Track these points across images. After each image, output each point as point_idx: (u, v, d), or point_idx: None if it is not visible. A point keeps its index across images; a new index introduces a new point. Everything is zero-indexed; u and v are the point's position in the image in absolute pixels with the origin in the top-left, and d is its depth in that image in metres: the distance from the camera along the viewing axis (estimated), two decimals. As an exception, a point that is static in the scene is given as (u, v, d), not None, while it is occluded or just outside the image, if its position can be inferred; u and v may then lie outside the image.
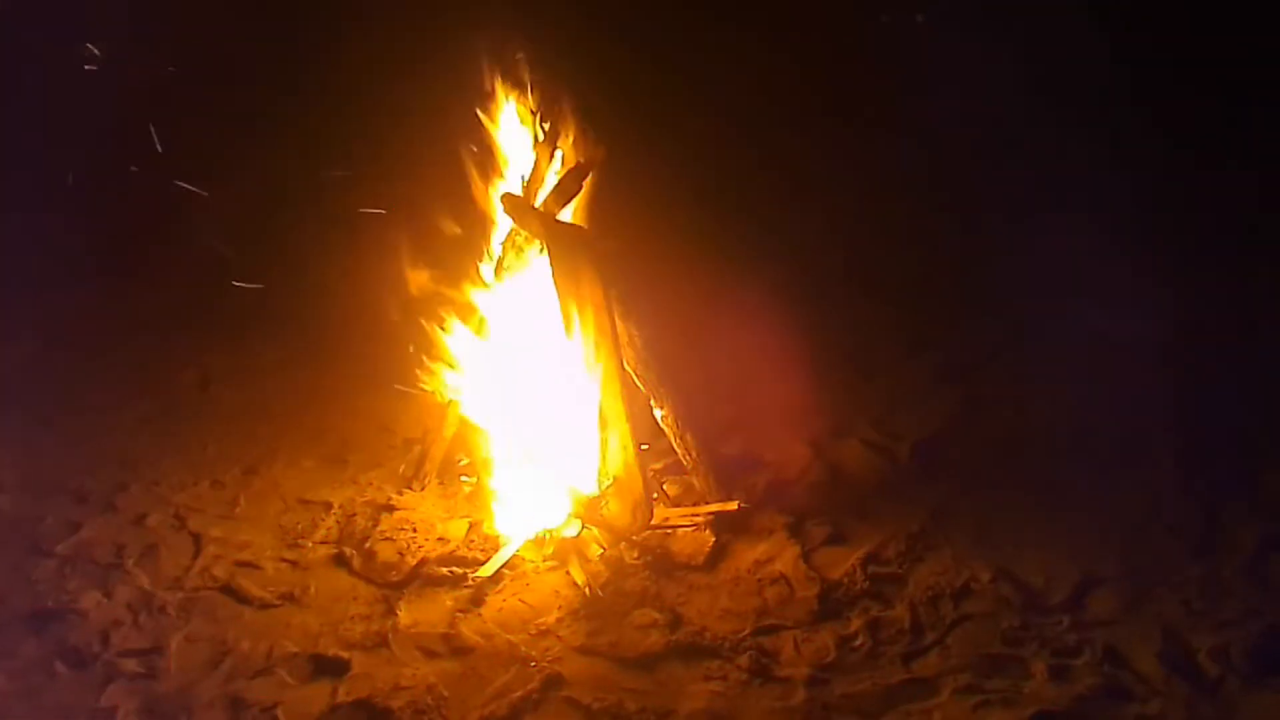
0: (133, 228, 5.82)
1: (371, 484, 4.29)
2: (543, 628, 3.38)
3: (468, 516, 3.99)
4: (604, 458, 3.71)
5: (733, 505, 3.86)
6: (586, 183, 3.76)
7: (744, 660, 3.17)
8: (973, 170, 6.41)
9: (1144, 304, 4.93)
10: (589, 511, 3.67)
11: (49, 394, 5.16)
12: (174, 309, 5.48)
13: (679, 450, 3.95)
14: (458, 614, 3.45)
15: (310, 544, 3.91)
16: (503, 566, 3.66)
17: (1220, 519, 3.73)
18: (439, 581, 3.63)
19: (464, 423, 4.12)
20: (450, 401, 4.13)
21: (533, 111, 3.86)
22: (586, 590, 3.51)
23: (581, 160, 3.79)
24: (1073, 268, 5.38)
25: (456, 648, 3.31)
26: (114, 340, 5.69)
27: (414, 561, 3.74)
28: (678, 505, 3.95)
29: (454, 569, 3.69)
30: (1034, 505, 3.87)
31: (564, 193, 3.75)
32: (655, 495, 3.87)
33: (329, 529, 4.00)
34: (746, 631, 3.30)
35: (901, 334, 5.34)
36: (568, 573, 3.61)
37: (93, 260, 6.24)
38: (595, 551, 3.69)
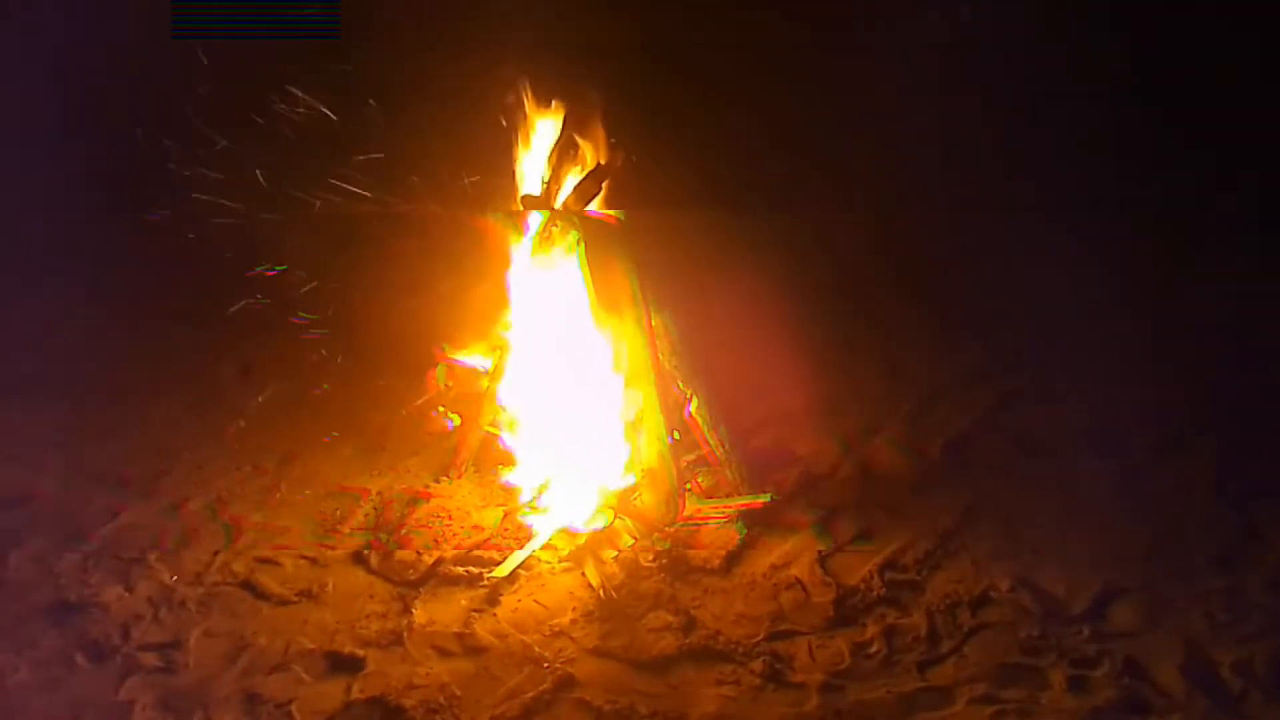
0: (176, 220, 5.85)
1: (408, 472, 4.31)
2: (557, 629, 3.38)
3: (503, 505, 4.00)
4: (636, 449, 3.71)
5: (763, 499, 3.85)
6: (601, 186, 3.76)
7: (757, 665, 3.16)
8: (1005, 170, 6.34)
9: (1177, 304, 4.87)
10: (621, 503, 3.68)
11: (92, 383, 5.21)
12: (215, 298, 5.52)
13: (711, 443, 3.96)
14: (473, 613, 3.46)
15: (347, 530, 3.94)
16: (519, 567, 3.66)
17: (1251, 528, 3.68)
18: (454, 581, 3.64)
19: (499, 413, 4.14)
20: (486, 392, 4.14)
21: (553, 115, 3.86)
22: (601, 592, 3.51)
23: (602, 163, 3.79)
24: (1105, 268, 5.32)
25: (470, 647, 3.32)
26: (155, 330, 5.74)
27: (431, 560, 3.75)
28: (709, 498, 3.94)
29: (470, 569, 3.70)
30: (1060, 508, 3.84)
31: (584, 195, 3.75)
32: (687, 487, 3.86)
33: (366, 515, 4.02)
34: (761, 636, 3.29)
35: (933, 332, 5.31)
36: (583, 574, 3.61)
37: (136, 251, 6.29)
38: (626, 542, 3.69)
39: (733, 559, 3.66)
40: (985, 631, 3.27)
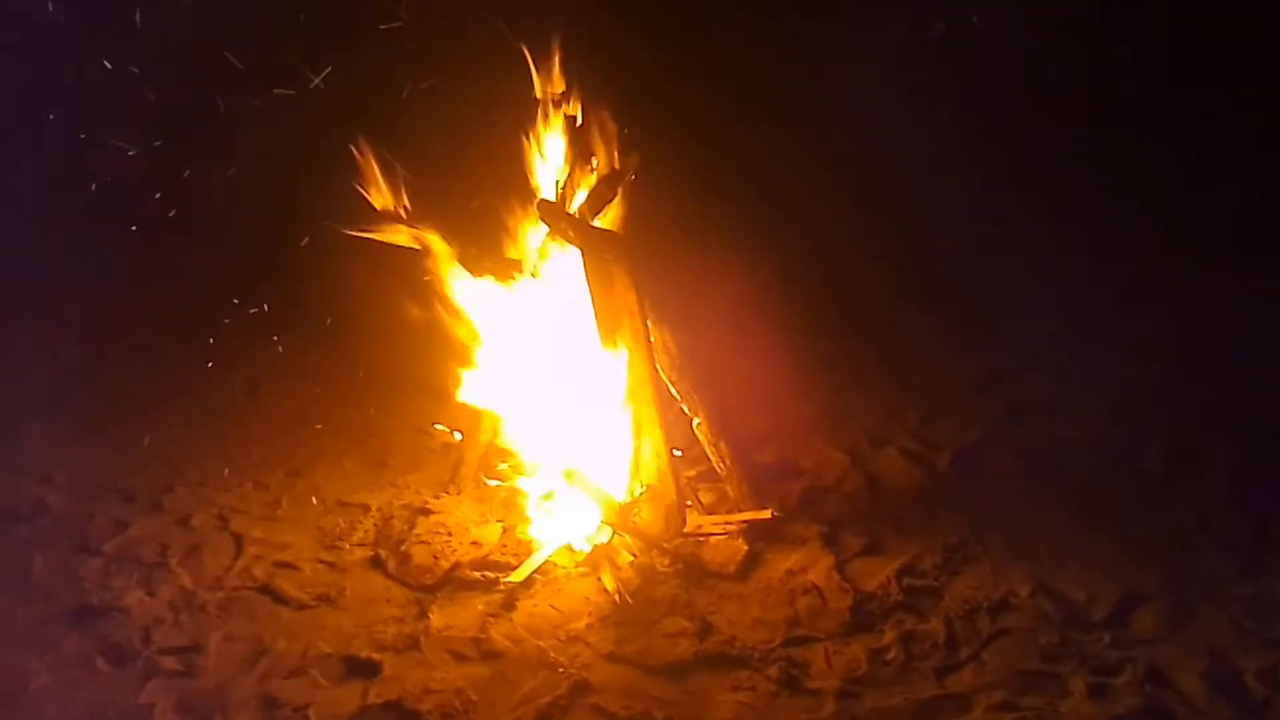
0: (184, 233, 5.92)
1: (409, 487, 4.33)
2: (572, 634, 3.37)
3: (502, 521, 4.00)
4: (637, 464, 3.71)
5: (766, 514, 3.83)
6: (620, 190, 3.75)
7: (773, 671, 3.14)
8: (1017, 173, 6.30)
9: (1193, 313, 4.82)
10: (621, 518, 3.67)
11: (100, 397, 5.28)
12: (222, 314, 5.58)
13: (713, 458, 3.93)
14: (489, 618, 3.47)
15: (348, 546, 3.95)
16: (534, 572, 3.66)
17: (1271, 534, 3.63)
18: (471, 585, 3.65)
19: (500, 428, 4.14)
20: (486, 408, 4.15)
21: (568, 119, 3.85)
22: (617, 597, 3.50)
23: (616, 168, 3.79)
24: (1118, 274, 5.27)
25: (486, 652, 3.32)
26: (163, 345, 5.80)
27: (447, 565, 3.76)
28: (711, 513, 3.92)
29: (486, 573, 3.70)
30: (1077, 518, 3.79)
31: (598, 200, 3.75)
32: (689, 503, 3.85)
33: (366, 531, 4.04)
34: (777, 642, 3.27)
35: (941, 341, 5.26)
36: (599, 579, 3.60)
37: (143, 266, 6.38)
38: (626, 559, 3.68)
39: (749, 564, 3.64)
40: (1004, 638, 3.24)
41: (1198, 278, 5.05)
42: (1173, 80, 6.51)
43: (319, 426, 4.85)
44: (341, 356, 5.42)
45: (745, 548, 3.71)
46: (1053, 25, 6.43)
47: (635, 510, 3.71)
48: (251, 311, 5.26)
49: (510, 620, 3.45)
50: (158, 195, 5.50)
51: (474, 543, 3.89)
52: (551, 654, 3.28)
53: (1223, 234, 5.81)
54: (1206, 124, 6.35)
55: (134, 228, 5.66)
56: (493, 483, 4.20)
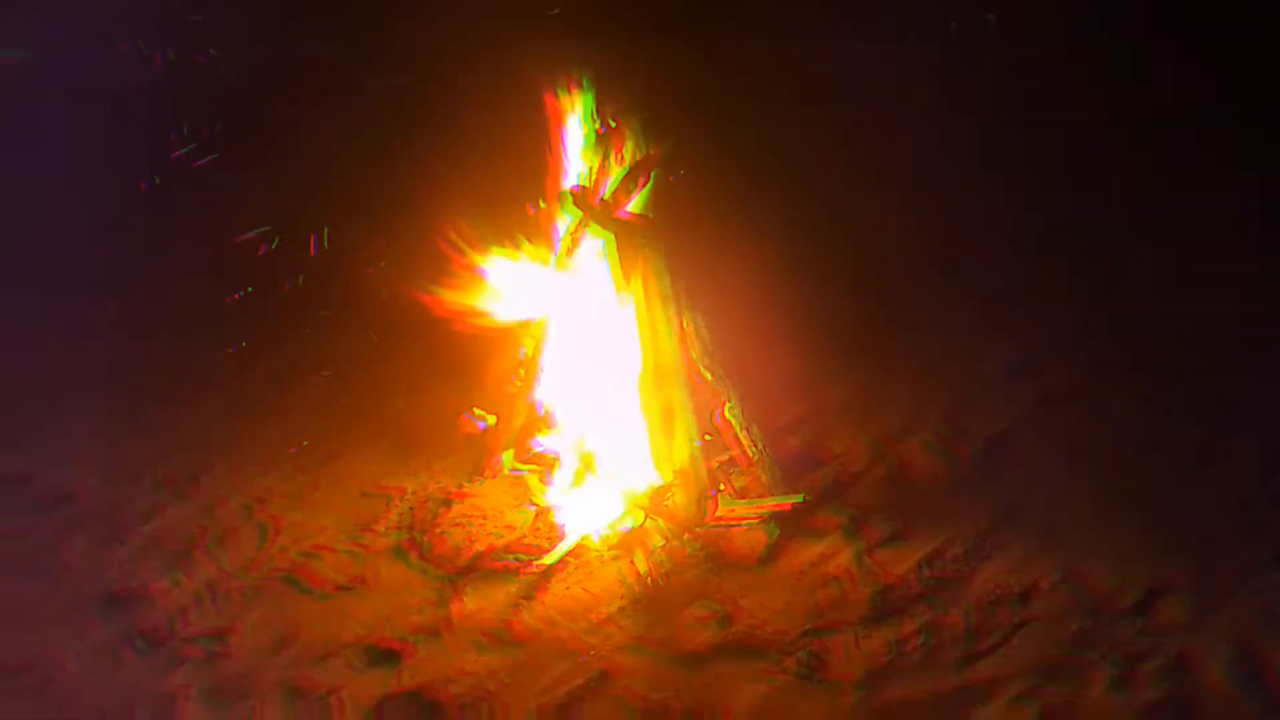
0: (209, 224, 5.96)
1: (441, 473, 4.33)
2: (595, 622, 3.38)
3: (534, 506, 4.01)
4: (667, 450, 3.70)
5: (795, 500, 3.81)
6: (649, 178, 3.74)
7: (794, 661, 3.13)
8: (1051, 156, 6.22)
9: (1226, 300, 4.74)
10: (652, 503, 3.67)
11: (131, 386, 5.32)
12: (251, 303, 5.61)
13: (743, 444, 3.92)
14: (514, 605, 3.48)
15: (376, 533, 3.97)
16: (565, 555, 3.68)
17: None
18: (497, 572, 3.66)
19: (532, 413, 4.15)
20: (518, 391, 4.16)
21: (595, 108, 3.84)
22: (648, 580, 3.50)
23: (645, 155, 3.77)
24: (1156, 259, 5.20)
25: (510, 639, 3.34)
26: (194, 334, 5.85)
27: (473, 552, 3.77)
28: (741, 499, 3.91)
29: (514, 559, 3.72)
30: (1106, 507, 3.74)
31: (627, 188, 3.74)
32: (718, 488, 3.84)
33: (397, 517, 4.06)
34: (798, 632, 3.26)
35: (972, 328, 5.20)
36: (631, 562, 3.61)
37: (173, 256, 6.42)
38: (657, 543, 3.68)
39: (773, 553, 3.64)
40: (1029, 627, 3.21)
41: (1232, 265, 4.96)
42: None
43: (347, 414, 4.87)
44: (370, 344, 5.44)
45: (768, 535, 3.71)
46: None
47: (668, 495, 3.71)
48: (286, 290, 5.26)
49: (534, 607, 3.47)
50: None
51: (506, 527, 3.90)
52: (576, 641, 3.29)
53: (1257, 222, 5.70)
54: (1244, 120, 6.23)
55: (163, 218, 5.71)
56: (523, 470, 4.21)
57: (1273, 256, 5.34)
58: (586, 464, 3.76)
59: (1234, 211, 5.71)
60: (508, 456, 4.22)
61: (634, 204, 3.80)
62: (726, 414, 3.89)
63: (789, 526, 3.75)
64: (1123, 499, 3.78)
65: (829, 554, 3.60)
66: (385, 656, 3.32)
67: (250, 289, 5.36)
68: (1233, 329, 4.69)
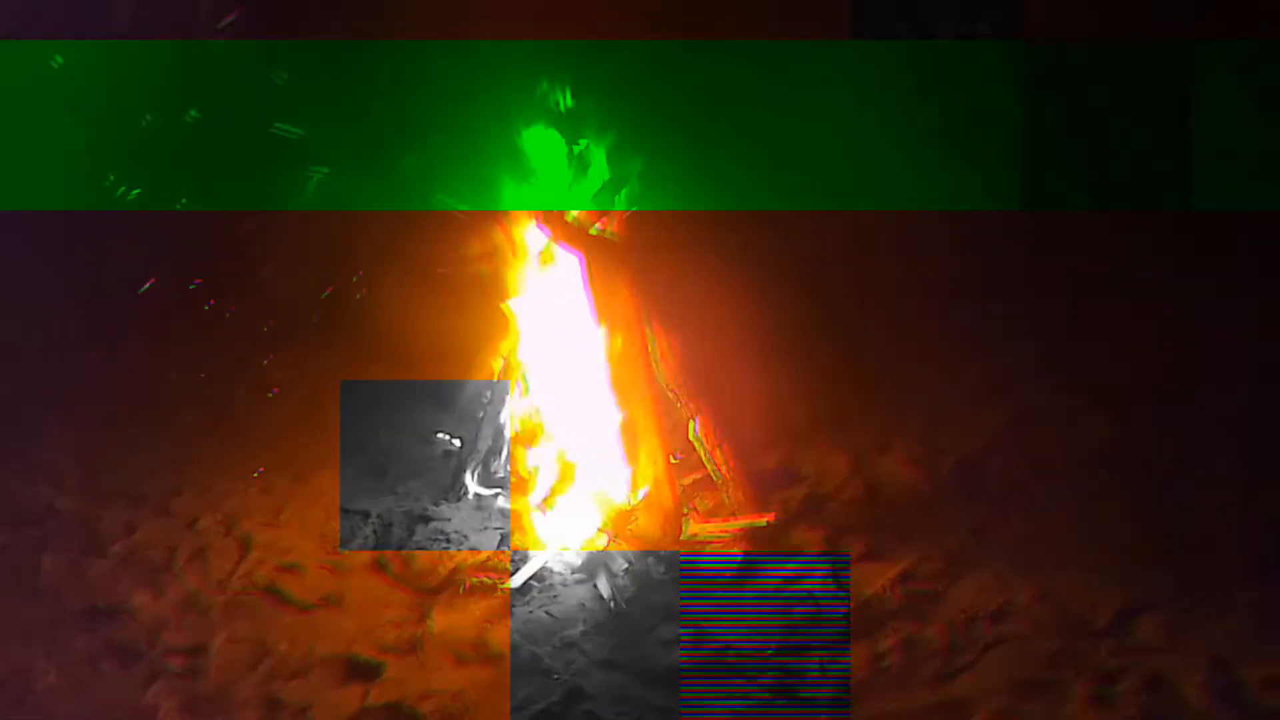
0: (196, 241, 5.98)
1: (409, 494, 4.35)
2: (568, 640, 3.38)
3: (500, 528, 4.03)
4: (635, 470, 3.71)
5: (766, 519, 3.82)
6: (621, 198, 3.77)
7: (768, 679, 3.13)
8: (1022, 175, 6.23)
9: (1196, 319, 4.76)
10: (619, 524, 3.67)
11: (110, 401, 5.34)
12: (235, 321, 5.64)
13: (714, 463, 3.93)
14: (487, 623, 3.49)
15: (350, 550, 3.98)
16: (531, 578, 3.68)
17: (1276, 541, 3.57)
18: (471, 590, 3.67)
19: (500, 434, 4.16)
20: (485, 413, 4.17)
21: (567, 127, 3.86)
22: (612, 605, 3.50)
23: (616, 176, 3.80)
24: (1120, 280, 5.21)
25: (485, 656, 3.35)
26: (174, 351, 5.86)
27: (448, 570, 3.78)
28: (710, 519, 3.92)
29: (486, 578, 3.72)
30: (1080, 524, 3.75)
31: (598, 208, 3.76)
32: (687, 509, 3.85)
33: (367, 537, 4.07)
34: (772, 649, 3.25)
35: (946, 346, 5.22)
36: (594, 586, 3.61)
37: (155, 271, 6.43)
38: (622, 565, 3.69)
39: (744, 571, 3.63)
40: (1005, 645, 3.21)
41: (1201, 283, 4.98)
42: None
43: (323, 432, 4.88)
44: (345, 363, 5.46)
45: (742, 554, 3.71)
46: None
47: (633, 517, 3.72)
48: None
49: (508, 625, 3.47)
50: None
51: (472, 549, 3.91)
52: (546, 660, 3.29)
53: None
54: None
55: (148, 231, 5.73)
56: (493, 490, 4.22)
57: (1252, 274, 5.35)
58: (565, 476, 3.76)
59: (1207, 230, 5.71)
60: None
61: (606, 224, 3.82)
62: (697, 433, 3.91)
63: (763, 544, 3.75)
64: (1095, 517, 3.79)
65: (803, 571, 3.60)
66: (362, 670, 3.32)
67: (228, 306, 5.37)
68: (1203, 348, 4.70)
